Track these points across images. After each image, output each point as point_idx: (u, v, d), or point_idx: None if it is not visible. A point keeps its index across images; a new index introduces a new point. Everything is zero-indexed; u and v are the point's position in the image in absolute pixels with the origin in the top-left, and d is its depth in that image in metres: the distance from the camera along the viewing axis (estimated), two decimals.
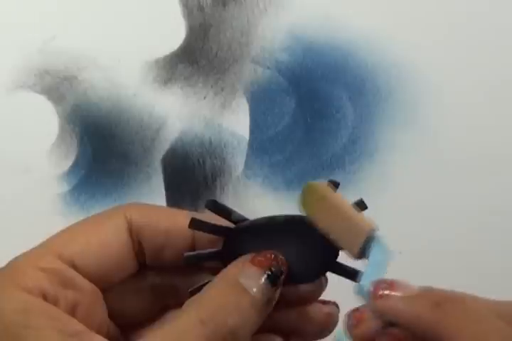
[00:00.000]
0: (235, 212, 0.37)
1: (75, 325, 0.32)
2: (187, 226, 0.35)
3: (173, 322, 0.32)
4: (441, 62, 0.49)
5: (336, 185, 0.38)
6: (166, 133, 0.48)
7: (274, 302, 0.33)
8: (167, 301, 0.37)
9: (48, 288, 0.32)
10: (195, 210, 0.46)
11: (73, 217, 0.48)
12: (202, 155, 0.48)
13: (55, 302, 0.32)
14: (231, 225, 0.37)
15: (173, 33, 0.50)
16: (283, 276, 0.34)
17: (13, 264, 0.33)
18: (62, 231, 0.35)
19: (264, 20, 0.49)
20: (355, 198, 0.47)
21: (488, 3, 0.49)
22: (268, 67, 0.49)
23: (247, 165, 0.48)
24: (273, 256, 0.34)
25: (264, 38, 0.49)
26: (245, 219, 0.37)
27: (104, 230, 0.35)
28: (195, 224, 0.37)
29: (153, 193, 0.49)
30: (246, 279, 0.33)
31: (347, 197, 0.48)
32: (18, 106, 0.49)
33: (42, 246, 0.34)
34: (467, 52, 0.49)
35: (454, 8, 0.49)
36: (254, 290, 0.33)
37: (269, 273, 0.33)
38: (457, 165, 0.48)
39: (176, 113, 0.49)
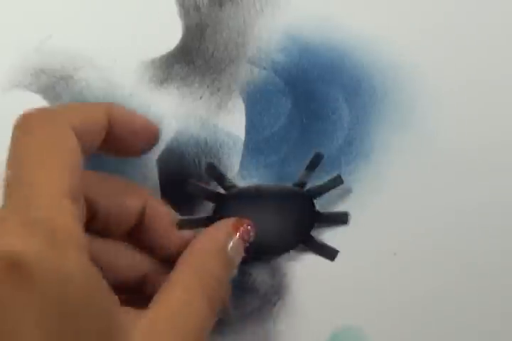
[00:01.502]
0: (227, 178, 0.41)
1: None
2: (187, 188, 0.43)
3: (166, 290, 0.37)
4: (438, 63, 0.49)
5: (320, 157, 0.41)
6: (161, 134, 0.48)
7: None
8: (155, 265, 0.41)
9: None
10: (191, 213, 0.46)
11: None
12: (198, 155, 0.48)
13: None
14: (222, 191, 0.42)
15: (170, 33, 0.49)
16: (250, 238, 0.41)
17: None
18: None
19: (260, 20, 0.49)
20: (351, 196, 0.48)
21: (489, 4, 0.49)
22: (264, 68, 0.49)
23: (243, 165, 0.48)
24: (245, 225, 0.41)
25: (260, 39, 0.49)
26: (235, 186, 0.43)
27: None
28: (192, 186, 0.43)
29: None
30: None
31: (343, 198, 0.48)
32: (13, 106, 0.49)
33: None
34: (465, 53, 0.49)
35: (453, 9, 0.49)
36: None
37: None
38: (454, 166, 0.48)
39: (172, 113, 0.49)
